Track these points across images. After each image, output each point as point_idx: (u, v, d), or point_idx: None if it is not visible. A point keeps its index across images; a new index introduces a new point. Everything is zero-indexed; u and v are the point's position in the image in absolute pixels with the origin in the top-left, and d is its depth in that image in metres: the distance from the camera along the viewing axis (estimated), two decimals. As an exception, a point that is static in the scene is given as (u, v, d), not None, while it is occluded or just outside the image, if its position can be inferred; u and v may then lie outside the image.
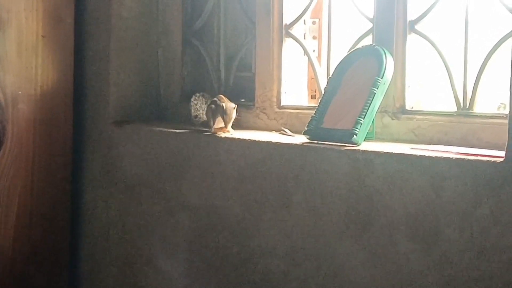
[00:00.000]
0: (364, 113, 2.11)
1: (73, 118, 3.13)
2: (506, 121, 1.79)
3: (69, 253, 3.18)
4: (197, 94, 2.75)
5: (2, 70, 2.94)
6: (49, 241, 3.11)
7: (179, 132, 2.70)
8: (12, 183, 2.99)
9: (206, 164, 2.54)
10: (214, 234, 2.52)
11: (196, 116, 2.72)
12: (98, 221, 3.10)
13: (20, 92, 2.99)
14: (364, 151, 2.03)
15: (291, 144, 2.26)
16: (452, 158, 1.84)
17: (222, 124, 2.51)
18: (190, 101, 2.75)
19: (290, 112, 2.61)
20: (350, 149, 2.07)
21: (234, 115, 2.51)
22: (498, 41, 2.05)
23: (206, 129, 2.58)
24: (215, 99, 2.56)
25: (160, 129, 2.79)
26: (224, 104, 2.50)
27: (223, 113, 2.49)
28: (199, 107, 2.72)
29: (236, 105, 2.52)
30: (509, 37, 2.03)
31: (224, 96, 2.57)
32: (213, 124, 2.54)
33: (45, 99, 3.06)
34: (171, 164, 2.70)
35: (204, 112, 2.66)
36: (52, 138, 3.08)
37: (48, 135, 3.07)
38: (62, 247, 3.15)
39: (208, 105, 2.60)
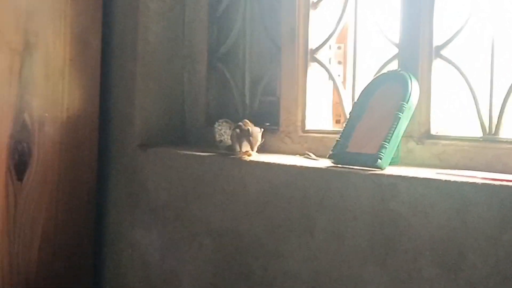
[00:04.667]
0: (389, 138, 2.10)
1: (98, 141, 3.15)
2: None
3: (93, 275, 3.18)
4: (220, 120, 2.76)
5: (29, 93, 2.97)
6: (74, 263, 3.12)
7: (203, 156, 2.70)
8: (37, 205, 3.01)
9: (230, 188, 2.54)
10: (237, 258, 2.51)
11: (220, 141, 2.73)
12: (122, 243, 3.11)
13: (46, 115, 3.02)
14: (389, 176, 2.02)
15: (316, 168, 2.26)
16: (478, 183, 1.82)
17: (247, 148, 2.52)
18: (214, 126, 2.76)
19: (315, 137, 2.61)
20: (375, 174, 2.06)
21: (260, 139, 2.51)
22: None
23: (231, 153, 2.59)
24: (240, 123, 2.56)
25: (185, 152, 2.80)
26: (250, 128, 2.50)
27: (249, 136, 2.50)
28: (223, 132, 2.73)
29: (262, 129, 2.52)
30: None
31: (249, 120, 2.57)
32: (238, 148, 2.54)
33: (71, 122, 3.09)
34: (195, 187, 2.70)
35: (229, 137, 2.66)
36: (77, 160, 3.11)
37: (74, 158, 3.10)
38: (86, 269, 3.16)
39: (233, 130, 2.60)
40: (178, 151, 2.84)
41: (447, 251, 1.86)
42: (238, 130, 2.55)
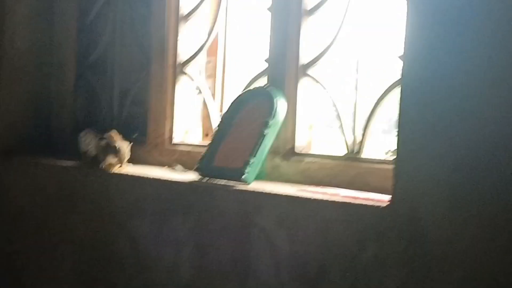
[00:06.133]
0: (255, 153, 2.12)
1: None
2: (393, 167, 1.81)
3: None
4: (86, 130, 2.68)
5: None
6: None
7: (67, 167, 2.64)
8: None
9: (94, 199, 2.50)
10: (100, 267, 2.47)
11: (85, 152, 2.64)
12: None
13: None
14: (253, 191, 2.03)
15: (181, 181, 2.25)
16: (338, 201, 1.86)
17: (112, 161, 2.47)
18: (79, 136, 2.68)
19: (183, 149, 2.60)
20: (239, 188, 2.06)
21: (128, 154, 2.48)
22: (387, 89, 2.09)
23: (96, 164, 2.53)
24: (106, 135, 2.51)
25: (48, 162, 2.73)
26: (117, 144, 2.46)
27: (116, 152, 2.46)
28: (88, 142, 2.64)
29: (130, 143, 2.49)
30: (397, 85, 2.04)
31: (117, 131, 2.53)
32: (104, 160, 2.49)
33: None
34: (58, 198, 2.64)
35: (94, 148, 2.59)
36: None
37: None
38: None
39: (98, 140, 2.55)
40: (41, 161, 2.77)
41: (308, 267, 1.89)
42: (103, 142, 2.50)
